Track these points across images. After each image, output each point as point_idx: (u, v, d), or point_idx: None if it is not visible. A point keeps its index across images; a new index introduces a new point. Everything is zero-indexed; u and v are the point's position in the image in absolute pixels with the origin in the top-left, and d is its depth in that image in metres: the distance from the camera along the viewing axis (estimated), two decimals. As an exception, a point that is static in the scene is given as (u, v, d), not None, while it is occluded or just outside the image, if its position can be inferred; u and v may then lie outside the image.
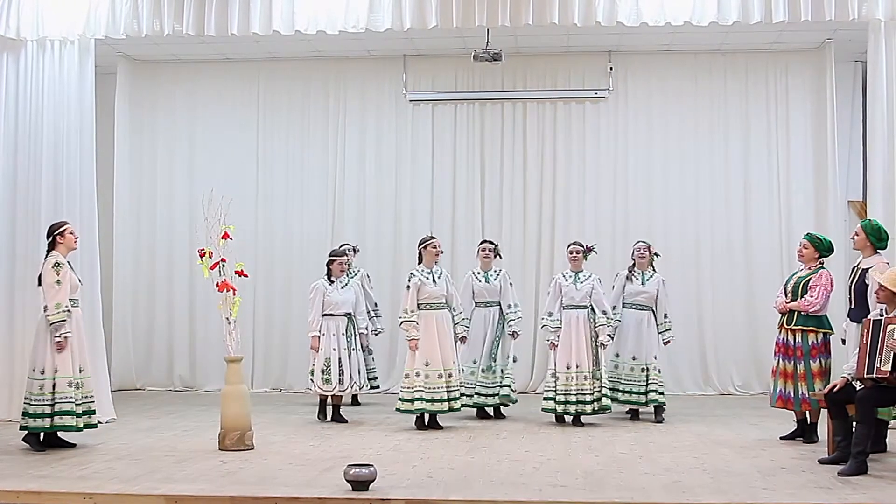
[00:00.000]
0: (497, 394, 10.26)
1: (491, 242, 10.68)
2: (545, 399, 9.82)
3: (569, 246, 10.11)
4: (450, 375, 9.48)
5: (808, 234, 9.10)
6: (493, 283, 10.42)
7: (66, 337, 8.26)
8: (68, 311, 8.30)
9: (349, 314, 10.33)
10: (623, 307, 10.29)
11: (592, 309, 9.82)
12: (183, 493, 6.50)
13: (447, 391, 9.44)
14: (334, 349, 10.12)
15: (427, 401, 9.37)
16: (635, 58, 12.98)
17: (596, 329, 9.78)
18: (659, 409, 10.15)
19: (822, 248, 8.85)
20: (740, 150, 12.97)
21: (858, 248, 8.49)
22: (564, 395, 9.62)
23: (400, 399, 9.51)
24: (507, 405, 10.35)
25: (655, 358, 10.19)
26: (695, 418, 10.25)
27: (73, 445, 8.41)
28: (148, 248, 13.49)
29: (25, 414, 8.29)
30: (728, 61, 12.97)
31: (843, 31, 11.52)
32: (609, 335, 9.92)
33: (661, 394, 10.13)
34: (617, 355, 10.26)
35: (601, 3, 9.73)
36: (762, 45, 12.59)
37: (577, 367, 9.64)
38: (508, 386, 10.26)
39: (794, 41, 12.37)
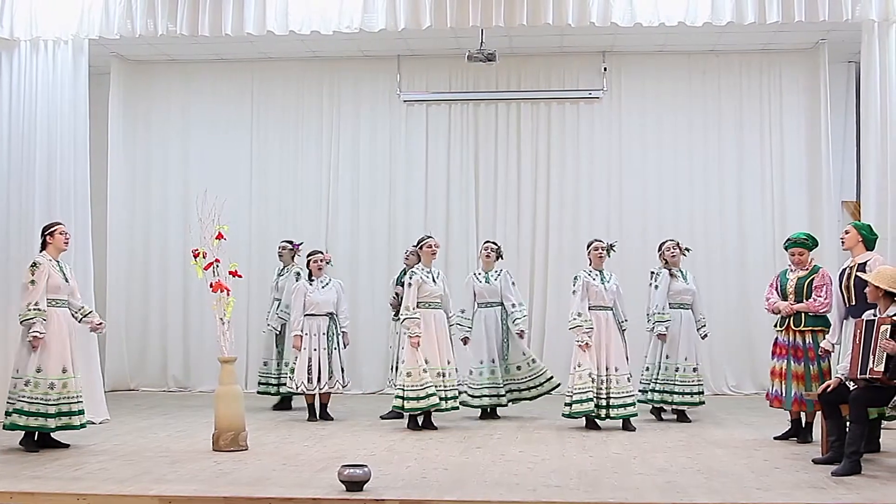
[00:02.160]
0: (530, 387, 10.34)
1: (494, 243, 10.67)
2: (581, 402, 9.32)
3: (592, 243, 9.74)
4: (445, 375, 9.48)
5: (796, 242, 8.91)
6: (493, 284, 10.42)
7: (34, 336, 8.19)
8: (39, 310, 8.23)
9: (331, 314, 10.31)
10: (670, 307, 10.20)
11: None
12: (177, 493, 6.48)
13: (445, 389, 9.44)
14: (315, 349, 10.14)
15: (431, 396, 9.33)
16: (629, 58, 13.01)
17: (623, 330, 9.66)
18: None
19: (812, 246, 8.88)
20: (734, 150, 13.01)
21: (849, 248, 8.51)
22: (606, 398, 9.37)
23: (403, 398, 9.31)
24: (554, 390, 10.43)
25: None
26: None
27: (66, 446, 8.39)
28: (142, 248, 13.49)
29: (6, 413, 8.25)
30: (722, 62, 13.00)
31: (836, 32, 11.55)
32: (661, 334, 10.02)
33: (702, 392, 10.21)
34: (667, 357, 10.13)
35: (595, 3, 9.74)
36: (756, 45, 12.62)
37: (616, 370, 9.39)
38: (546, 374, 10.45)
39: (788, 42, 12.40)
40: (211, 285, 8.64)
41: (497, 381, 10.29)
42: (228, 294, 8.70)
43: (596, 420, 9.47)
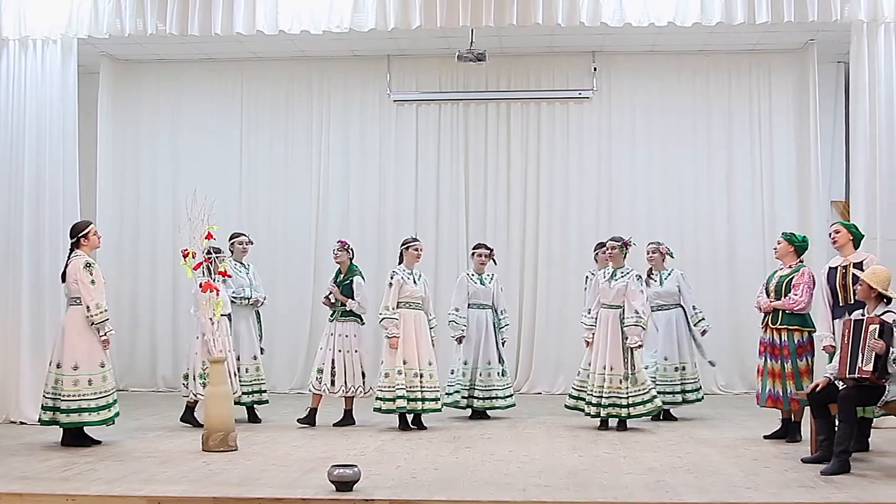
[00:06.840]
0: (507, 395, 10.31)
1: (487, 247, 10.64)
2: (579, 399, 9.59)
3: (607, 241, 9.70)
4: (424, 376, 9.40)
5: (784, 233, 9.18)
6: (487, 286, 10.44)
7: (111, 334, 8.54)
8: (107, 309, 8.50)
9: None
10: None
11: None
12: (166, 494, 6.47)
13: (422, 391, 9.39)
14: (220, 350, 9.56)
15: (410, 400, 9.33)
16: (619, 58, 13.02)
17: (624, 329, 9.28)
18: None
19: (796, 242, 8.91)
20: (723, 150, 13.04)
21: (841, 246, 8.56)
22: (598, 397, 9.33)
23: (379, 399, 9.42)
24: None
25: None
26: (678, 418, 10.26)
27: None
28: (131, 248, 13.44)
29: (55, 409, 8.40)
30: (711, 62, 13.03)
31: (825, 32, 11.58)
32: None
33: (697, 390, 10.21)
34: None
35: (585, 3, 9.75)
36: (745, 45, 12.65)
37: (611, 369, 9.28)
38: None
39: (778, 42, 12.42)
40: (200, 285, 8.63)
41: (474, 384, 10.27)
42: (218, 294, 8.69)
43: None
